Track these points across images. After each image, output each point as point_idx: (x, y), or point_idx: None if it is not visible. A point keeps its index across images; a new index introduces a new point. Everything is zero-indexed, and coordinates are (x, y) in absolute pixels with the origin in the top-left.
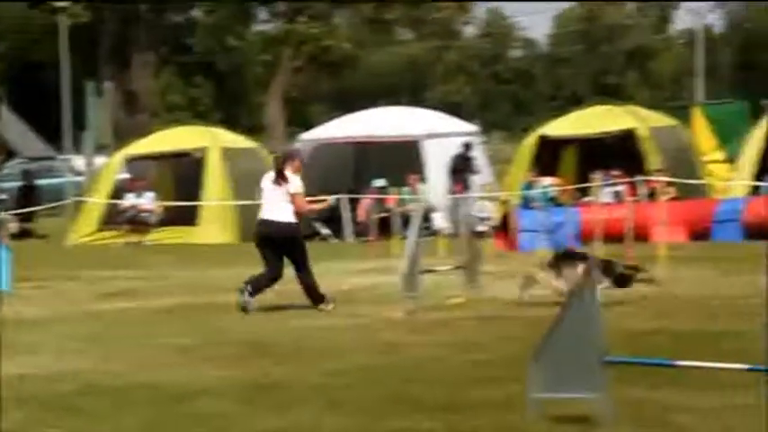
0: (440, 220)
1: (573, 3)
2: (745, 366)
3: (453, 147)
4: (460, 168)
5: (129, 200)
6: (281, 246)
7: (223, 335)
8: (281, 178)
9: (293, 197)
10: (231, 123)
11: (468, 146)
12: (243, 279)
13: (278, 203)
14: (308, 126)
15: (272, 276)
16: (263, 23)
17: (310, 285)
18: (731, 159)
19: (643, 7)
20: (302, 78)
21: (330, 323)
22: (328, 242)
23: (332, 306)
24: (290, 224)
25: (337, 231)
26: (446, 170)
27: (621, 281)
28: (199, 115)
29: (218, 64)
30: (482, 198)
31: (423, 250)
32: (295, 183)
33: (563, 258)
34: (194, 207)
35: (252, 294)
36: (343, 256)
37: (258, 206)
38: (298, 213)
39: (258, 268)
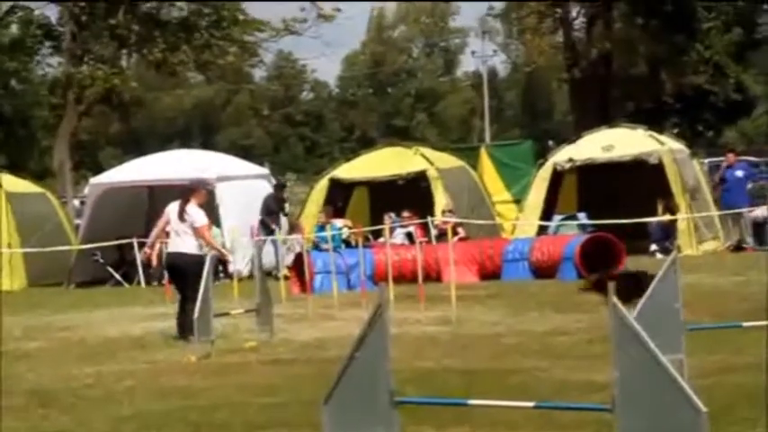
0: (234, 264)
1: (357, 47)
2: (531, 404)
3: (248, 189)
4: (274, 209)
5: None
6: (184, 275)
7: (8, 384)
8: (184, 212)
9: (197, 230)
10: (19, 168)
11: (279, 186)
12: (31, 325)
13: (182, 236)
14: (100, 170)
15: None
16: (50, 58)
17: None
18: (518, 199)
19: (429, 51)
20: (91, 121)
21: (122, 369)
22: (122, 287)
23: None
24: (192, 255)
25: (128, 276)
26: (260, 211)
27: None
28: None
29: (3, 107)
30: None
31: (217, 294)
32: (199, 216)
33: None
34: None
35: (192, 333)
36: (135, 302)
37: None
38: (208, 245)
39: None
